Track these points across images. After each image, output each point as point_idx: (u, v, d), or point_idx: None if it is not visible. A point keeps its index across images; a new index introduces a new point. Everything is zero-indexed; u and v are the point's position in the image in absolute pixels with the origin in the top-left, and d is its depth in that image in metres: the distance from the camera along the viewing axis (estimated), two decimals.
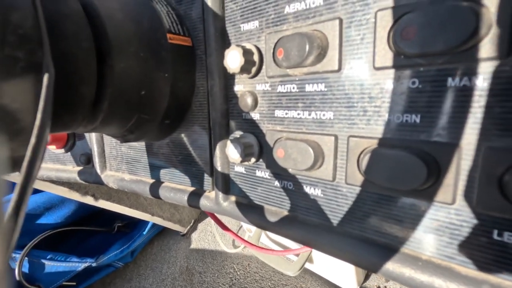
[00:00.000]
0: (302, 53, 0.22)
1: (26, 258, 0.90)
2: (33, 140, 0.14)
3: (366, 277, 0.84)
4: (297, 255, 0.77)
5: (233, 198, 0.32)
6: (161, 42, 0.29)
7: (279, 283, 0.92)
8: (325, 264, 0.82)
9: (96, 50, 0.25)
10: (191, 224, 1.28)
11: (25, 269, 0.91)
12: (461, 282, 0.18)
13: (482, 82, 0.16)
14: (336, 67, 0.22)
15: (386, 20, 0.19)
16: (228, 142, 0.27)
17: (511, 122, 0.16)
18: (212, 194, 0.33)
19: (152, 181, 0.39)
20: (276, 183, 0.27)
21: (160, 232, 1.30)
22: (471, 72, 0.17)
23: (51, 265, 0.92)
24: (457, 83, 0.17)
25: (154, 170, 0.39)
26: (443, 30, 0.16)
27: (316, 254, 0.81)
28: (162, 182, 0.38)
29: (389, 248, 0.21)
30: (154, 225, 1.19)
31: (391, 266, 0.21)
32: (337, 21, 0.21)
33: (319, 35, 0.22)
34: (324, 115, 0.23)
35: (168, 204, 1.12)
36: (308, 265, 0.87)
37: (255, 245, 0.63)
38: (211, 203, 0.33)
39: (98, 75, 0.25)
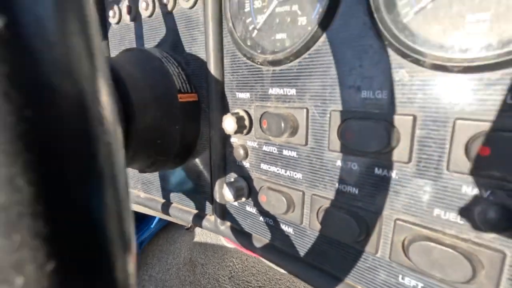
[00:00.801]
0: (279, 129, 0.29)
1: None
2: None
3: None
4: None
5: (228, 223, 0.40)
6: (173, 102, 0.36)
7: (274, 277, 1.02)
8: None
9: (123, 112, 0.32)
10: None
11: None
12: None
13: (394, 175, 0.24)
14: (303, 142, 0.29)
15: (336, 119, 0.26)
16: (224, 185, 0.35)
17: (412, 205, 0.23)
18: (212, 218, 0.41)
19: (163, 201, 0.47)
20: (261, 218, 0.35)
21: (166, 225, 1.40)
22: (388, 168, 0.24)
23: None
24: (380, 172, 0.24)
25: (166, 192, 0.47)
26: (370, 138, 0.24)
27: None
28: (172, 203, 0.46)
29: (337, 278, 0.29)
30: (160, 219, 1.29)
31: None
32: (304, 110, 0.28)
33: (292, 118, 0.29)
34: (295, 174, 0.31)
35: None
36: None
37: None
38: (211, 225, 0.41)
39: (125, 132, 0.33)
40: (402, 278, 0.25)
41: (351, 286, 0.28)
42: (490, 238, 0.20)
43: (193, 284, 1.09)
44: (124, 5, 0.43)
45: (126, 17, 0.44)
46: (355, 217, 0.26)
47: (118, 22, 0.45)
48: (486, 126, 0.19)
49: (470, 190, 0.20)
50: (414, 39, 0.21)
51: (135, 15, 0.43)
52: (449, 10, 0.20)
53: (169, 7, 0.38)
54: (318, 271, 0.30)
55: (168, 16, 0.39)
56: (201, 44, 0.37)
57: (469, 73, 0.20)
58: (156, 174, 0.47)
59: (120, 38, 0.46)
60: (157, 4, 0.40)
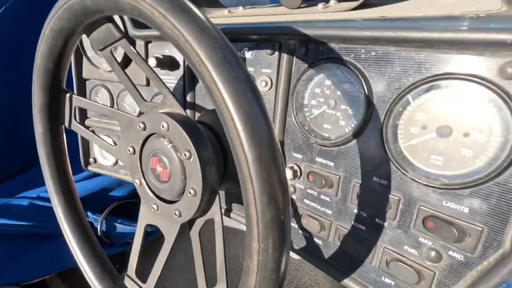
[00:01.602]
0: (321, 184, 0.49)
1: (104, 220, 1.24)
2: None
3: None
4: None
5: None
6: None
7: None
8: None
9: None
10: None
11: (103, 228, 1.25)
12: None
13: (386, 224, 0.43)
14: (335, 194, 0.48)
15: (356, 187, 0.45)
16: None
17: (393, 241, 0.43)
18: None
19: (225, 207, 0.68)
20: (300, 231, 0.56)
21: None
22: (383, 220, 0.44)
23: (121, 227, 1.26)
24: (378, 221, 0.44)
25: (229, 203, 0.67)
26: (374, 205, 0.43)
27: None
28: (234, 214, 0.67)
29: (346, 274, 0.50)
30: None
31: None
32: (338, 177, 0.47)
33: (329, 179, 0.48)
34: (327, 211, 0.50)
35: None
36: None
37: None
38: None
39: (224, 164, 0.52)
40: (384, 278, 0.45)
41: (354, 279, 0.48)
42: (428, 264, 0.40)
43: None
44: None
45: None
46: (361, 242, 0.46)
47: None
48: (430, 212, 0.38)
49: (422, 240, 0.40)
50: (403, 160, 0.40)
51: None
52: (423, 149, 0.38)
53: None
54: (332, 266, 0.51)
55: None
56: (270, 114, 0.55)
57: (431, 187, 0.38)
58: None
59: None
60: None
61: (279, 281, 0.28)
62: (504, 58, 0.30)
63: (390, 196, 0.42)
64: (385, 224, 0.43)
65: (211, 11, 0.69)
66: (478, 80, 0.32)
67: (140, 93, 0.46)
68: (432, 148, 0.37)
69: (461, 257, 0.37)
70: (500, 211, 0.33)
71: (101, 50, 0.44)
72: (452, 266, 0.38)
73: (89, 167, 0.89)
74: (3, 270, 0.94)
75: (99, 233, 1.21)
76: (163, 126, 0.43)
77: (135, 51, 0.42)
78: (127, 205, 1.35)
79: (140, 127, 0.46)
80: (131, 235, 1.31)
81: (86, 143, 0.87)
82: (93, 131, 0.86)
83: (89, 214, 1.22)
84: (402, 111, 0.39)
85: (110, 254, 1.18)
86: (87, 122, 0.84)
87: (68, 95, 0.52)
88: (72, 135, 0.60)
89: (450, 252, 0.37)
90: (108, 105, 0.80)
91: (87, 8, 0.36)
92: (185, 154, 0.41)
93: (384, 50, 0.39)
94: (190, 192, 0.42)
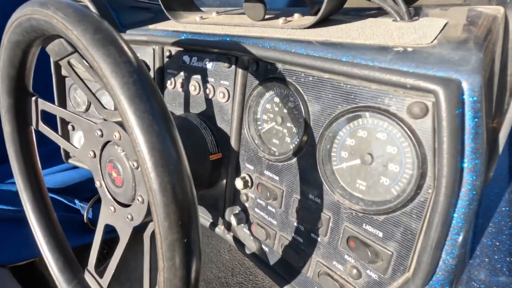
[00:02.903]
0: (266, 196, 0.51)
1: (91, 208, 1.29)
2: None
3: None
4: None
5: (232, 233, 0.63)
6: (205, 160, 0.58)
7: None
8: None
9: None
10: None
11: (90, 215, 1.30)
12: None
13: (319, 239, 0.46)
14: (279, 206, 0.51)
15: (295, 203, 0.48)
16: (232, 216, 0.58)
17: (325, 256, 0.46)
18: (222, 228, 0.65)
19: None
20: (251, 237, 0.59)
21: None
22: (317, 235, 0.46)
23: None
24: (314, 236, 0.47)
25: None
26: (311, 221, 0.45)
27: None
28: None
29: (286, 280, 0.53)
30: None
31: None
32: (282, 190, 0.50)
33: (274, 192, 0.51)
34: (273, 221, 0.53)
35: None
36: None
37: None
38: (221, 232, 0.65)
39: None
40: None
41: (292, 287, 0.52)
42: (351, 280, 0.43)
43: None
44: (179, 80, 0.64)
45: (179, 88, 0.64)
46: (299, 253, 0.49)
47: (173, 88, 0.66)
48: (352, 233, 0.40)
49: (347, 257, 0.42)
50: (334, 181, 0.42)
51: (186, 89, 0.63)
52: (350, 173, 0.40)
53: (210, 96, 0.59)
54: (276, 273, 0.54)
55: (208, 99, 0.60)
56: (227, 124, 0.58)
57: (353, 210, 0.41)
58: None
59: (173, 98, 0.67)
60: (202, 90, 0.60)
61: None
62: (412, 98, 0.32)
63: (322, 214, 0.44)
64: (319, 239, 0.46)
65: (185, 15, 0.70)
66: (390, 116, 0.33)
67: (99, 101, 0.49)
68: (357, 173, 0.39)
69: (376, 277, 0.39)
70: (406, 239, 0.35)
71: (58, 61, 0.46)
72: (369, 284, 0.40)
73: (70, 160, 0.92)
74: None
75: (85, 220, 1.26)
76: (115, 136, 0.45)
77: (87, 65, 0.44)
78: None
79: (97, 134, 0.48)
80: None
81: (66, 137, 0.90)
82: (73, 126, 0.90)
83: (77, 202, 1.27)
84: (333, 136, 0.41)
85: None
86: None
87: (33, 98, 0.54)
88: None
89: (368, 271, 0.40)
90: (86, 103, 0.83)
91: (34, 27, 0.38)
92: (133, 164, 0.44)
93: (319, 76, 0.41)
94: (138, 200, 0.45)
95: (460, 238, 0.31)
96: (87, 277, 0.56)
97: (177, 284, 0.30)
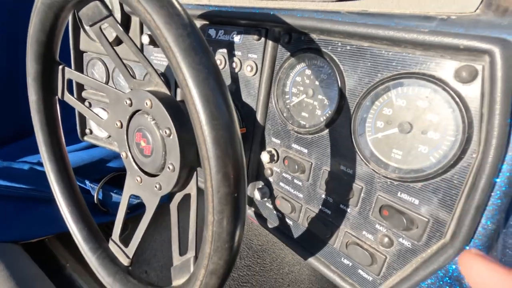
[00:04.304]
0: (294, 169, 0.51)
1: (101, 189, 1.29)
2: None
3: None
4: None
5: (253, 209, 0.64)
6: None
7: (272, 240, 1.31)
8: None
9: None
10: None
11: (100, 197, 1.31)
12: None
13: (349, 210, 0.46)
14: (306, 179, 0.51)
15: (325, 174, 0.48)
16: (256, 190, 0.58)
17: (354, 227, 0.46)
18: None
19: None
20: (274, 212, 0.59)
21: None
22: (346, 206, 0.46)
23: (116, 197, 1.32)
24: (342, 207, 0.47)
25: None
26: (340, 192, 0.46)
27: None
28: None
29: (311, 253, 0.53)
30: None
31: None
32: (310, 163, 0.50)
33: (302, 165, 0.51)
34: (299, 194, 0.53)
35: None
36: None
37: None
38: None
39: None
40: (343, 259, 0.49)
41: (318, 259, 0.52)
42: (381, 249, 0.43)
43: None
44: None
45: None
46: (326, 225, 0.49)
47: None
48: (386, 202, 0.41)
49: (378, 226, 0.43)
50: (368, 151, 0.42)
51: None
52: (386, 143, 0.40)
53: (236, 70, 0.58)
54: (300, 245, 0.55)
55: (234, 73, 0.59)
56: (253, 99, 0.57)
57: (388, 179, 0.41)
58: None
59: None
60: (227, 64, 0.60)
61: (232, 250, 0.32)
62: (460, 62, 0.32)
63: (354, 184, 0.44)
64: (348, 210, 0.46)
65: None
66: (436, 81, 0.33)
67: (128, 70, 0.48)
68: (393, 142, 0.40)
69: (409, 244, 0.40)
70: (445, 204, 0.36)
71: (90, 26, 0.46)
72: (401, 252, 0.41)
73: (85, 138, 0.92)
74: (3, 227, 1.01)
75: (95, 201, 1.26)
76: (147, 104, 0.45)
77: (121, 29, 0.44)
78: (123, 176, 1.40)
79: (126, 103, 0.48)
80: None
81: (82, 114, 0.90)
82: (90, 103, 0.89)
83: (87, 182, 1.27)
84: (370, 105, 0.41)
85: (106, 221, 1.24)
86: (83, 94, 0.86)
87: (60, 67, 0.54)
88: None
89: (400, 239, 0.41)
90: (104, 78, 0.82)
91: None
92: (165, 132, 0.44)
93: (358, 45, 0.40)
94: (169, 168, 0.45)
95: (502, 203, 0.32)
96: (112, 246, 0.57)
97: (225, 238, 0.30)
